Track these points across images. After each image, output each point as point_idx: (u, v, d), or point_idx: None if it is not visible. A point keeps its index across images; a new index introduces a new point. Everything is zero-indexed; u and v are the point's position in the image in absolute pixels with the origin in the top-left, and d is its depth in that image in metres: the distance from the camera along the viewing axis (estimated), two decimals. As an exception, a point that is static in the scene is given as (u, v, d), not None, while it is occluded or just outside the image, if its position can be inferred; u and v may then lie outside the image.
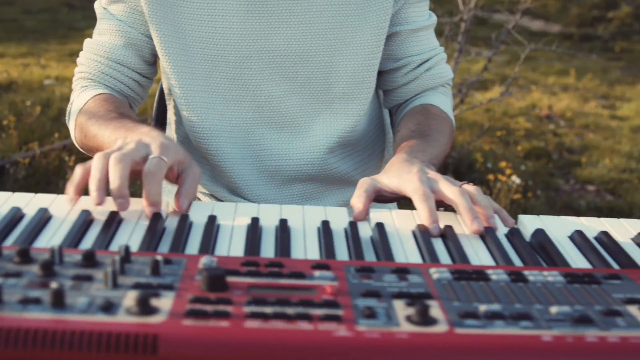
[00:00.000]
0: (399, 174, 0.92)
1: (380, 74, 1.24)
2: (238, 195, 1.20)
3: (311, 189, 1.22)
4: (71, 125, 1.14)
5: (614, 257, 0.82)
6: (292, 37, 1.11)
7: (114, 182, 0.80)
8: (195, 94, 1.14)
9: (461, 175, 3.24)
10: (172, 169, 0.88)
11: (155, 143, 0.87)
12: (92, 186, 0.81)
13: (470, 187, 0.89)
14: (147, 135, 0.90)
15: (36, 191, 3.38)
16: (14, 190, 2.95)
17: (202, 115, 1.15)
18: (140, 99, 1.22)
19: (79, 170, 0.84)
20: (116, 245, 0.76)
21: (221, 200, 1.21)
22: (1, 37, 6.47)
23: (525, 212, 3.07)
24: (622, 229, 0.90)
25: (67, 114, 1.18)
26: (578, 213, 3.36)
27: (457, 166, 3.26)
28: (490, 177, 2.99)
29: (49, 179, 3.28)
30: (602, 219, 0.93)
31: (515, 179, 2.85)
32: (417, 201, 0.86)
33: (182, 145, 1.23)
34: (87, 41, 1.17)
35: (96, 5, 1.16)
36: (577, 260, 0.80)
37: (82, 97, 1.12)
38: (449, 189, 0.87)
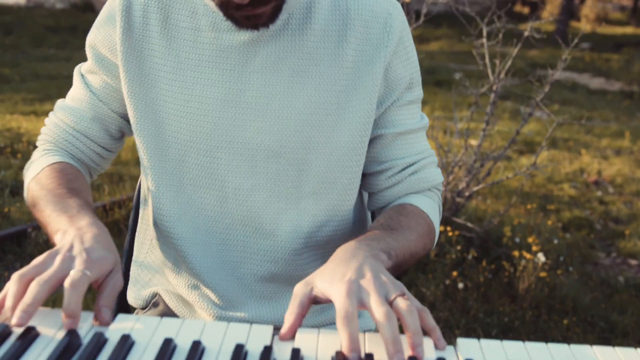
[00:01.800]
0: (332, 276, 0.88)
1: (364, 176, 1.20)
2: (198, 289, 1.18)
3: (273, 288, 1.18)
4: (25, 187, 1.16)
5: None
6: (265, 130, 1.08)
7: (26, 299, 0.81)
8: (166, 176, 1.14)
9: (487, 251, 3.14)
10: (97, 280, 0.88)
11: (80, 258, 0.87)
12: (8, 305, 0.82)
13: (402, 304, 0.83)
14: (79, 241, 0.91)
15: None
16: (34, 254, 2.99)
17: (170, 198, 1.15)
18: (100, 169, 1.24)
19: None
20: (29, 358, 0.76)
21: (181, 297, 1.21)
22: (52, 93, 6.75)
23: (552, 291, 2.94)
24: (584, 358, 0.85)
25: (24, 170, 1.19)
26: (615, 291, 3.20)
27: (484, 240, 3.16)
28: (516, 253, 2.88)
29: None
30: (550, 345, 0.87)
31: (541, 257, 2.74)
32: (338, 323, 0.81)
33: (154, 228, 1.23)
34: (59, 102, 1.20)
35: (76, 69, 1.19)
36: (502, 399, 0.75)
37: (40, 161, 1.15)
38: (377, 308, 0.82)
